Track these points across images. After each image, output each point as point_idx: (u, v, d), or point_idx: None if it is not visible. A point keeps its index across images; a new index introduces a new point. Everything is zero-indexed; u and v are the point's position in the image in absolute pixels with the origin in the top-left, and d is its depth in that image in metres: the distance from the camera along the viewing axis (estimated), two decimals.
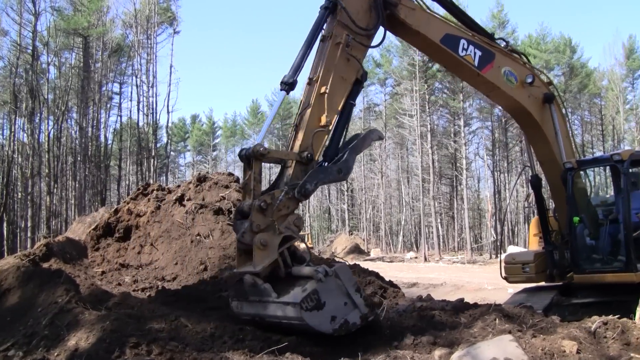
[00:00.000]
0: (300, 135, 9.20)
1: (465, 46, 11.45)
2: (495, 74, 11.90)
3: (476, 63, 11.62)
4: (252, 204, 8.38)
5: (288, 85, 9.48)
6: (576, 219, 12.27)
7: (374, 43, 10.39)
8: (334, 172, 9.40)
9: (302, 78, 9.62)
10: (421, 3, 11.01)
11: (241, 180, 9.45)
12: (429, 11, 11.16)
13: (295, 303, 7.81)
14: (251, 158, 8.66)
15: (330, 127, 9.54)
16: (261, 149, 8.62)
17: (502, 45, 12.61)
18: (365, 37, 10.04)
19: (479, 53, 11.65)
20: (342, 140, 9.87)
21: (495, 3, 71.45)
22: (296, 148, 9.08)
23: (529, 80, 12.42)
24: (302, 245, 9.34)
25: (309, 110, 9.34)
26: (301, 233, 8.95)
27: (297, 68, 9.62)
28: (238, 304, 8.83)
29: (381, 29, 10.40)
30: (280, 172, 9.29)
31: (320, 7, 9.83)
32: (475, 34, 11.96)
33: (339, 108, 9.70)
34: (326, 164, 9.47)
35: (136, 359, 5.99)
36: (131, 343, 6.32)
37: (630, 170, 12.22)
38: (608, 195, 15.21)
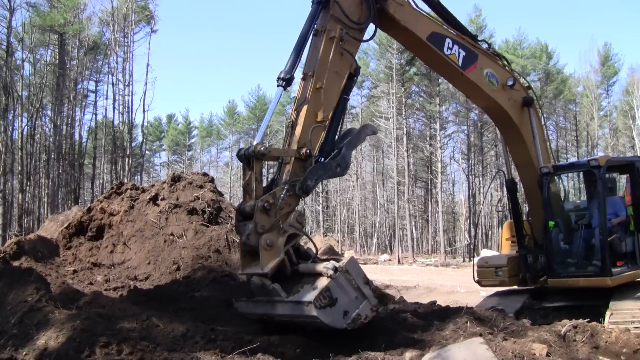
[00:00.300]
0: (298, 132, 9.22)
1: (450, 45, 11.65)
2: (478, 74, 12.09)
3: (460, 63, 11.81)
4: (254, 205, 8.34)
5: (285, 80, 9.50)
6: (551, 223, 12.43)
7: (365, 37, 10.52)
8: (333, 168, 9.45)
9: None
10: (410, 0, 11.15)
11: (240, 181, 9.37)
12: (417, 8, 11.29)
13: (309, 302, 7.77)
14: (251, 158, 8.66)
15: (326, 123, 9.61)
16: (262, 148, 8.63)
17: (484, 47, 12.76)
18: (358, 31, 10.17)
19: (463, 53, 11.84)
20: (337, 135, 9.97)
21: (473, 8, 72.04)
22: (294, 144, 9.09)
23: (510, 83, 12.63)
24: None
25: (305, 107, 9.36)
26: None
27: (294, 64, 9.67)
28: (244, 304, 8.81)
29: (372, 24, 10.56)
30: (279, 169, 9.28)
31: (312, 2, 9.89)
32: (460, 34, 12.10)
33: (335, 104, 9.80)
34: (322, 159, 9.50)
35: (106, 359, 5.94)
36: (101, 342, 6.27)
37: (607, 176, 12.37)
38: (579, 201, 15.36)
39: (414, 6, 11.26)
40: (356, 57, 10.19)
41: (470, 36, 12.53)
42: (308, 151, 9.09)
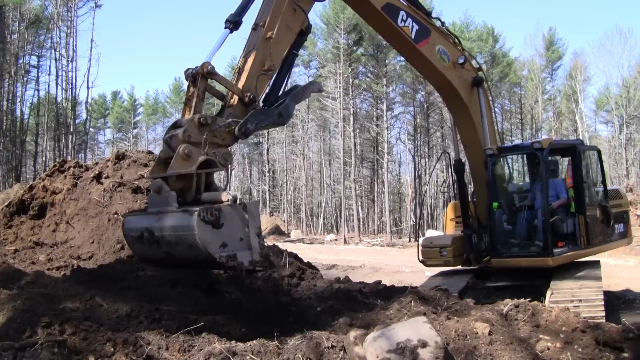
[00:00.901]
0: (244, 77, 9.19)
1: (404, 18, 11.87)
2: (429, 49, 12.33)
3: (413, 36, 12.02)
4: (191, 117, 8.37)
5: (233, 23, 9.61)
6: (495, 204, 12.61)
7: None
8: (275, 116, 9.41)
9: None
10: None
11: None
12: None
13: (193, 211, 7.59)
14: (197, 75, 8.68)
15: (273, 73, 9.63)
16: (209, 67, 8.63)
17: (438, 25, 12.89)
18: None
19: (416, 27, 12.08)
20: (282, 88, 9.97)
21: None
22: (239, 87, 9.05)
23: (461, 61, 12.89)
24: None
25: (253, 54, 9.31)
26: None
27: (244, 8, 9.81)
28: (132, 219, 8.64)
29: None
30: (221, 110, 9.26)
31: None
32: (415, 9, 12.27)
33: (283, 56, 9.82)
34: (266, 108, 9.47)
35: (48, 339, 5.85)
36: (43, 323, 6.16)
37: (550, 158, 12.60)
38: (522, 183, 15.62)
39: None
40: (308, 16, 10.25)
41: (424, 12, 12.68)
42: (252, 96, 9.08)
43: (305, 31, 10.31)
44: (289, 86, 10.22)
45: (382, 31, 12.84)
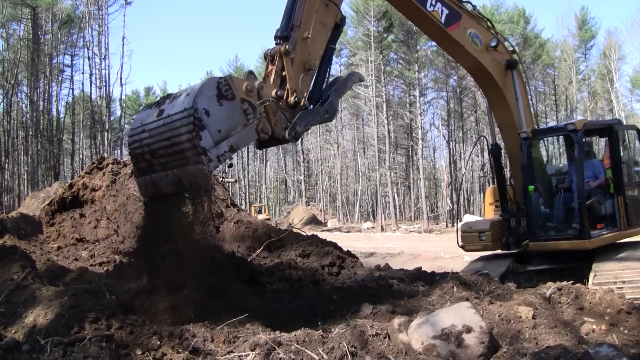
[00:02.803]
0: (288, 81, 9.39)
1: (434, 3, 11.81)
2: (460, 33, 12.29)
3: (443, 20, 11.97)
4: (275, 89, 8.93)
5: (282, 38, 9.73)
6: (531, 187, 12.50)
7: None
8: (322, 114, 9.80)
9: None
10: None
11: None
12: None
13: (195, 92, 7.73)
14: (276, 54, 9.29)
15: (314, 71, 9.91)
16: (287, 46, 9.19)
17: (469, 9, 12.83)
18: None
19: (446, 11, 12.01)
20: (324, 83, 10.28)
21: None
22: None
23: (493, 44, 12.80)
24: (260, 217, 9.53)
25: (293, 56, 9.51)
26: (258, 204, 9.14)
27: (288, 20, 9.87)
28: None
29: None
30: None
31: None
32: None
33: (322, 53, 10.09)
34: (311, 106, 9.77)
35: (96, 334, 5.93)
36: (90, 318, 6.25)
37: (584, 139, 12.44)
38: (562, 165, 15.44)
39: None
40: (341, 8, 10.46)
41: None
42: (297, 98, 9.30)
43: (340, 24, 10.52)
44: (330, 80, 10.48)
45: (412, 17, 12.85)
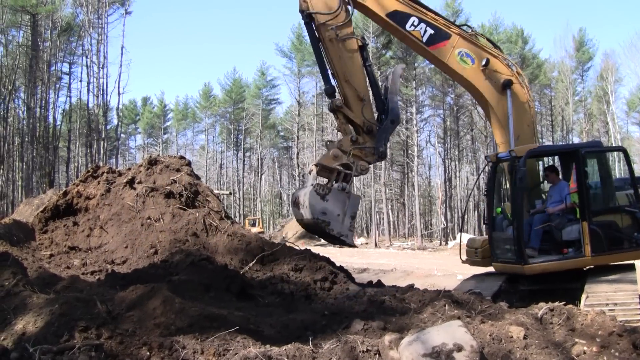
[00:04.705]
0: (355, 117, 12.36)
1: (416, 23, 12.97)
2: (445, 52, 13.14)
3: (425, 39, 13.05)
4: (348, 136, 12.30)
5: (330, 93, 12.52)
6: (499, 210, 12.74)
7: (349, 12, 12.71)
8: (389, 126, 12.61)
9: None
10: None
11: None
12: None
13: (312, 184, 11.84)
14: (334, 109, 12.52)
15: (368, 96, 12.49)
16: (337, 101, 12.32)
17: (469, 32, 13.45)
18: (339, 16, 12.32)
19: (430, 31, 13.02)
20: (381, 95, 12.91)
21: None
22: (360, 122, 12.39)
23: (483, 63, 13.10)
24: (254, 229, 10.15)
25: (347, 97, 12.26)
26: (253, 217, 10.79)
27: (326, 76, 12.62)
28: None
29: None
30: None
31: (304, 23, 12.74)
32: (436, 16, 13.27)
33: (364, 78, 12.54)
34: (383, 117, 12.57)
35: (85, 343, 5.91)
36: (80, 327, 6.23)
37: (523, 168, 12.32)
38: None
39: None
40: (354, 32, 12.73)
41: (451, 22, 13.59)
42: (368, 126, 12.29)
43: (363, 45, 12.72)
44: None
45: (393, 34, 14.72)
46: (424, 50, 13.39)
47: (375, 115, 12.93)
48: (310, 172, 12.29)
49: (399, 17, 12.91)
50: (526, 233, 12.28)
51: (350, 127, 12.50)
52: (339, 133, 13.07)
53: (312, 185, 11.82)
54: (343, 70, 12.25)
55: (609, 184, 12.76)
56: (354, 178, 12.80)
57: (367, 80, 12.84)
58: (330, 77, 12.61)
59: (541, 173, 14.06)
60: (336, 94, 12.48)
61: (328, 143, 12.58)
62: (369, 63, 12.83)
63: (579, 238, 11.94)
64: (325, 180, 12.31)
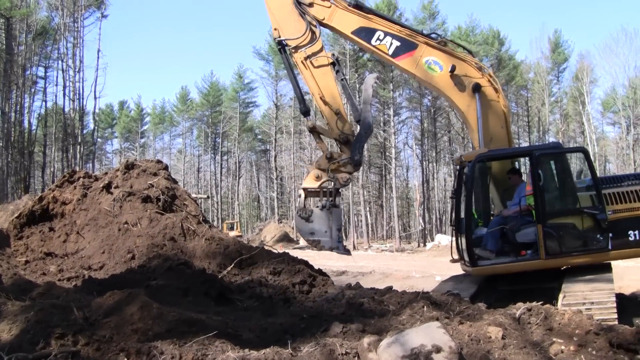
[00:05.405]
0: (330, 129, 13.04)
1: (382, 37, 13.41)
2: (411, 62, 13.45)
3: (390, 52, 13.43)
4: (323, 154, 13.01)
5: (305, 112, 14.08)
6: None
7: (317, 32, 13.32)
8: (364, 135, 13.12)
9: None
10: (336, 3, 13.47)
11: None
12: (343, 9, 13.51)
13: (296, 210, 13.21)
14: (309, 131, 13.85)
15: (342, 109, 13.06)
16: (309, 124, 13.41)
17: (437, 40, 13.66)
18: (307, 37, 13.12)
19: (396, 43, 13.39)
20: (357, 104, 13.49)
21: None
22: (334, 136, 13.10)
23: (450, 69, 13.22)
24: (232, 233, 10.13)
25: (324, 110, 12.96)
26: (231, 221, 10.85)
27: (301, 98, 13.83)
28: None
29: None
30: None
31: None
32: (402, 28, 13.75)
33: (339, 92, 13.15)
34: (359, 121, 13.16)
35: (62, 350, 5.86)
36: (57, 334, 6.17)
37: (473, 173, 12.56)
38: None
39: (343, 7, 13.50)
40: (325, 48, 13.40)
41: (416, 31, 13.88)
42: (344, 137, 12.87)
43: (336, 61, 13.31)
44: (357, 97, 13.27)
45: (362, 48, 15.67)
46: (392, 62, 13.83)
47: (356, 126, 13.57)
48: (299, 196, 13.19)
49: (365, 34, 13.45)
50: (471, 236, 12.55)
51: (326, 145, 13.49)
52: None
53: (296, 212, 13.17)
54: (317, 89, 12.96)
55: (569, 186, 12.82)
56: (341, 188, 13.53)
57: (344, 93, 13.71)
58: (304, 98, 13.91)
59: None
60: (310, 114, 14.13)
61: (308, 166, 13.74)
62: (341, 77, 13.41)
63: (536, 240, 12.00)
64: (317, 198, 13.29)
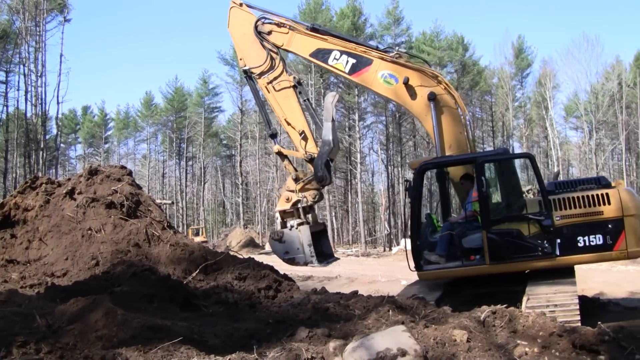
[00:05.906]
0: (296, 150, 14.11)
1: (338, 56, 14.12)
2: (369, 77, 13.99)
3: (347, 70, 14.09)
4: (290, 177, 14.01)
5: (272, 136, 15.15)
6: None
7: (277, 58, 14.47)
8: (325, 151, 13.33)
9: None
10: (294, 29, 14.46)
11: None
12: (300, 33, 14.43)
13: (270, 233, 14.44)
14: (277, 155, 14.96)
15: (305, 129, 13.89)
16: (276, 150, 14.55)
17: (392, 53, 14.09)
18: (269, 64, 14.32)
19: (352, 61, 14.04)
20: (320, 125, 13.94)
21: (391, 0, 72.79)
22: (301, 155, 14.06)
23: (404, 81, 13.54)
24: (197, 239, 10.21)
25: (290, 132, 14.02)
26: (196, 226, 11.07)
27: (268, 122, 15.08)
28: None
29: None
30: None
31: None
32: (358, 46, 14.35)
33: (301, 114, 14.01)
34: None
35: (24, 358, 5.79)
36: (19, 342, 6.09)
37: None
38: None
39: (300, 32, 14.41)
40: (287, 70, 14.38)
41: (367, 46, 14.54)
42: (309, 156, 13.73)
43: (297, 83, 14.27)
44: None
45: (321, 68, 15.61)
46: (350, 79, 14.68)
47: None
48: (277, 219, 14.17)
49: (322, 55, 14.23)
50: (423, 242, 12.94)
51: (293, 166, 14.32)
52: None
53: (269, 235, 14.34)
54: (282, 112, 14.06)
55: (515, 192, 12.99)
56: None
57: (307, 113, 14.43)
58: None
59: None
60: (277, 137, 15.26)
61: (279, 190, 14.63)
62: (304, 98, 14.47)
63: (482, 246, 12.14)
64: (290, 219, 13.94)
